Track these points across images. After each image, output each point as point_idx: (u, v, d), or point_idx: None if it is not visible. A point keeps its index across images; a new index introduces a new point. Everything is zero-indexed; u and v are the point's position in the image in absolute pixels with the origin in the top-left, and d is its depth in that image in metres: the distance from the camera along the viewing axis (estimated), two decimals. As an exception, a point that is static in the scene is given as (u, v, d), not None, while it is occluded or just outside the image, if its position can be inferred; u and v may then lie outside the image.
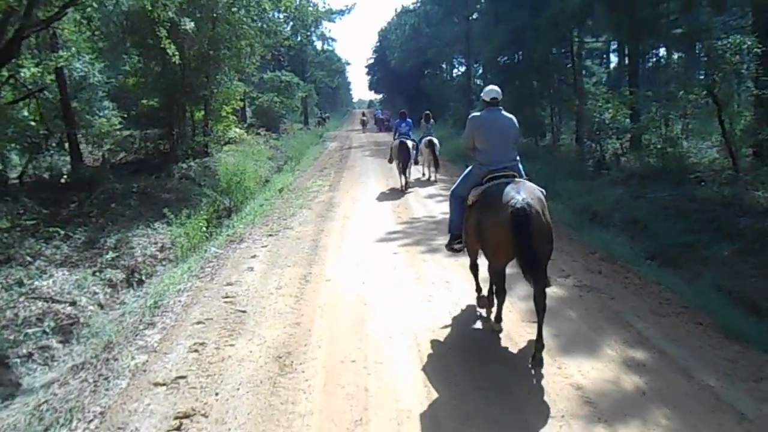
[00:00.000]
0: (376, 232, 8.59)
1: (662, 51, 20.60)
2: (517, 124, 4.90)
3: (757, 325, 5.04)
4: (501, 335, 4.74)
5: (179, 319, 5.39)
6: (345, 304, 5.63)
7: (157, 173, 14.10)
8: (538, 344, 4.12)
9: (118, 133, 16.67)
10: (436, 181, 14.11)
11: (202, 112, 18.26)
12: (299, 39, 41.08)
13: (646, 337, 4.66)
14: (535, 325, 4.17)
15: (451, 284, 6.14)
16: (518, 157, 4.83)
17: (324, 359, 4.41)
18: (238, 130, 20.89)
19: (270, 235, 8.67)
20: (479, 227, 4.41)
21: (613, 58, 24.96)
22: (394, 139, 13.34)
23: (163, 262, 8.63)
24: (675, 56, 20.17)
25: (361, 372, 4.19)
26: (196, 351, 4.64)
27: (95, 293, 7.04)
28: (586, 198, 11.55)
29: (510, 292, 4.91)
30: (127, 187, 11.95)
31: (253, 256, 7.44)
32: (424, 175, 14.63)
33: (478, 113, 4.99)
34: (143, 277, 7.93)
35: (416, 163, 13.63)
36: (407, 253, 7.39)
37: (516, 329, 4.87)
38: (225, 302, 5.77)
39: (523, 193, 4.09)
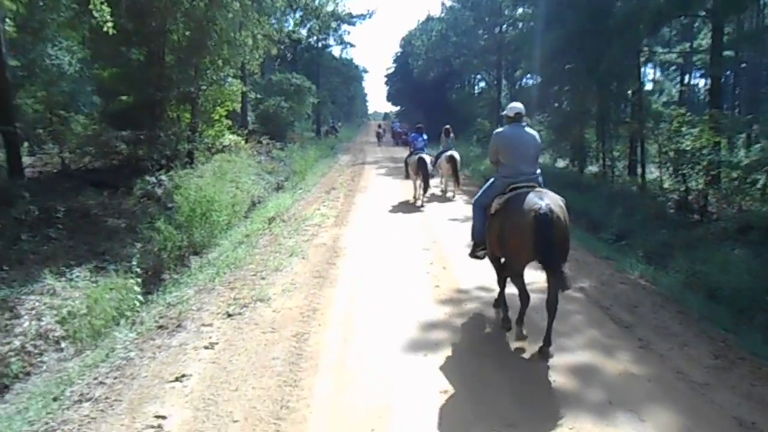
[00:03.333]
0: (402, 323, 5.19)
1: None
2: (539, 140, 5.10)
3: None
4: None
5: None
6: None
7: (116, 188, 10.90)
8: (546, 341, 4.48)
9: (81, 131, 13.63)
10: (454, 197, 13.32)
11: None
12: (314, 39, 38.37)
13: None
14: None
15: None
16: (539, 171, 4.98)
17: None
18: (233, 136, 17.65)
19: (229, 316, 5.33)
20: (502, 232, 4.62)
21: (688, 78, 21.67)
22: (411, 154, 12.96)
23: (54, 349, 5.32)
24: None
25: None
26: None
27: None
28: (693, 260, 8.15)
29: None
30: (63, 209, 8.69)
31: (179, 378, 4.03)
32: (442, 191, 13.78)
33: (501, 129, 5.19)
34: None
35: (432, 177, 12.97)
36: (462, 386, 3.99)
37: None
38: None
39: (546, 199, 4.35)
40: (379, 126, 44.28)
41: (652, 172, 15.96)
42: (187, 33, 14.04)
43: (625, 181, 16.52)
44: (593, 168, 19.28)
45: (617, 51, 13.96)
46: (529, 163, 4.89)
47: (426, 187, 12.32)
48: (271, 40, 17.86)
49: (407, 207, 12.28)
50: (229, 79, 15.67)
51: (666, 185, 14.12)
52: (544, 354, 4.43)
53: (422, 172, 12.09)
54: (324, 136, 36.96)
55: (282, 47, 32.40)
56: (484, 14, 30.34)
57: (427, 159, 12.41)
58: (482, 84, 35.23)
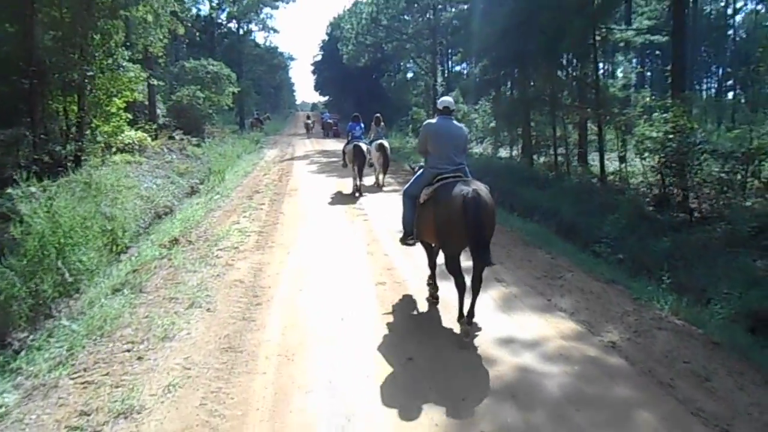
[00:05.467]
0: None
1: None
2: (467, 132, 5.43)
3: None
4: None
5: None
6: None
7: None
8: (470, 313, 4.63)
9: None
10: (383, 185, 13.33)
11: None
12: (234, 23, 35.52)
13: None
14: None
15: None
16: (465, 162, 5.18)
17: None
18: (135, 132, 14.87)
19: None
20: (434, 220, 4.76)
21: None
22: (348, 143, 12.98)
23: None
24: None
25: None
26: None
27: None
28: (712, 275, 6.53)
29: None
30: None
31: None
32: (375, 181, 13.64)
33: (432, 120, 5.37)
34: None
35: (370, 165, 13.07)
36: None
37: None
38: None
39: (473, 185, 4.59)
40: (308, 117, 41.80)
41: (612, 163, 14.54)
42: (66, 6, 11.27)
43: (581, 173, 14.98)
44: (541, 158, 17.71)
45: (578, 29, 12.24)
46: (457, 154, 5.09)
47: (361, 175, 12.39)
48: (177, 18, 15.13)
49: (346, 212, 10.17)
50: (124, 64, 12.88)
51: (634, 179, 12.65)
52: (464, 331, 4.57)
53: (358, 161, 12.14)
54: (248, 129, 34.05)
55: (196, 31, 29.40)
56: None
57: (364, 147, 12.43)
58: (415, 70, 33.21)
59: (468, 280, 4.65)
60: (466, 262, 4.71)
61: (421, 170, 5.35)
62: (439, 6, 28.31)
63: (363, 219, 9.66)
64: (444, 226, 4.65)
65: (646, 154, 11.00)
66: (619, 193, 12.12)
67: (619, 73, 18.71)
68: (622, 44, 15.29)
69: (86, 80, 11.75)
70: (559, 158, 16.63)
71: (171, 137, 18.62)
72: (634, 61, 18.37)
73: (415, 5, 28.63)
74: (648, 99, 13.16)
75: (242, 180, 15.36)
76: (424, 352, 4.32)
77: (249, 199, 11.99)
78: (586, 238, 8.85)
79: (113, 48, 12.49)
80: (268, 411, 3.50)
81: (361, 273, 6.51)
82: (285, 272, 6.51)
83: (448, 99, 5.37)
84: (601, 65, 15.70)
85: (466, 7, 21.62)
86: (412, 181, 5.42)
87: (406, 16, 30.49)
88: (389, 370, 4.03)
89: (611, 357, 4.24)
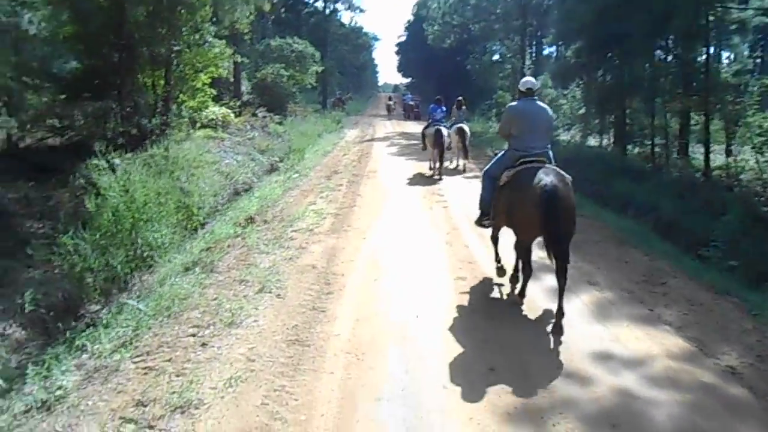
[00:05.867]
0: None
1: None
2: (551, 114, 5.18)
3: None
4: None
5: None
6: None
7: (57, 175, 8.38)
8: (558, 313, 4.35)
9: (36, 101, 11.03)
10: (465, 170, 13.00)
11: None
12: (321, 1, 35.54)
13: None
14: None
15: None
16: (549, 145, 5.04)
17: None
18: (219, 108, 15.01)
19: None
20: (510, 205, 4.74)
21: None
22: (429, 126, 12.71)
23: None
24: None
25: None
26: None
27: None
28: None
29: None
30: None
31: None
32: (451, 162, 13.49)
33: (515, 103, 5.19)
34: None
35: (448, 149, 12.85)
36: None
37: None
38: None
39: (553, 176, 4.39)
40: (390, 98, 41.48)
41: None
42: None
43: (682, 166, 13.77)
44: (635, 149, 16.47)
45: (690, 6, 11.09)
46: (541, 136, 4.97)
47: (442, 160, 12.12)
48: (263, -5, 15.06)
49: (425, 197, 9.74)
50: (210, 39, 12.92)
51: (745, 175, 11.45)
52: (557, 329, 4.33)
53: (438, 145, 11.85)
54: (331, 108, 34.09)
55: (283, 9, 29.55)
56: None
57: (444, 132, 12.14)
58: (502, 52, 32.00)
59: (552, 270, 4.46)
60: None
61: (504, 151, 5.27)
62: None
63: (443, 206, 9.20)
64: (519, 213, 4.60)
65: (765, 148, 9.86)
66: (726, 191, 11.02)
67: (726, 60, 16.97)
68: (734, 26, 13.79)
69: (173, 55, 11.87)
70: (656, 149, 15.45)
71: (254, 114, 18.79)
72: (746, 45, 16.53)
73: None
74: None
75: (322, 159, 15.22)
76: (508, 363, 3.85)
77: (327, 179, 11.79)
78: (690, 239, 7.97)
79: (199, 23, 12.55)
80: (333, 418, 3.16)
81: (440, 265, 6.07)
82: (359, 259, 6.18)
83: (530, 80, 5.26)
84: (711, 48, 14.26)
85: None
86: (494, 161, 5.35)
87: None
88: (468, 380, 3.59)
89: (731, 386, 3.61)
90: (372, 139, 21.46)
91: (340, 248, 6.56)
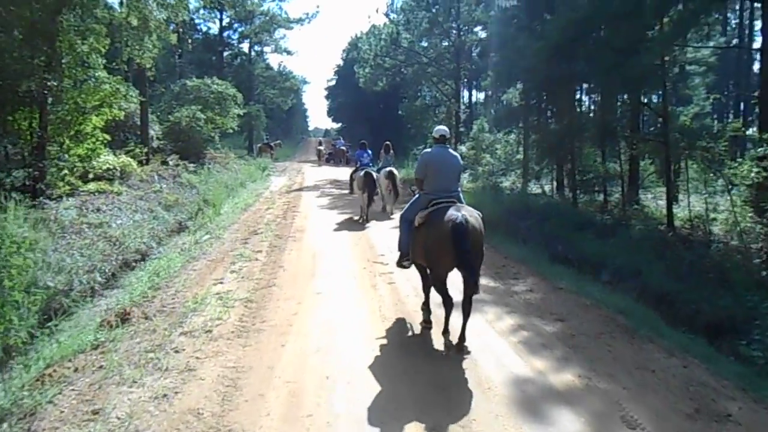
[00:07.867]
0: None
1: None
2: (461, 160, 5.67)
3: None
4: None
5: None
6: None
7: None
8: (461, 336, 4.80)
9: None
10: (392, 213, 12.64)
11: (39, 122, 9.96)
12: (246, 43, 33.86)
13: None
14: None
15: None
16: (459, 188, 5.49)
17: None
18: (116, 157, 12.61)
19: None
20: (425, 241, 4.96)
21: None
22: (357, 170, 12.86)
23: None
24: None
25: None
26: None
27: None
28: None
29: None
30: None
31: None
32: (383, 208, 13.29)
33: (429, 149, 5.56)
34: None
35: (376, 194, 12.60)
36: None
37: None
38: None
39: (463, 211, 4.80)
40: (320, 143, 39.76)
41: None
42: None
43: (643, 218, 12.44)
44: (583, 197, 15.20)
45: (658, 45, 9.85)
46: (452, 180, 5.34)
47: (370, 203, 12.17)
48: (169, 25, 12.96)
49: (365, 268, 7.72)
50: (97, 74, 10.63)
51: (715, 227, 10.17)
52: (459, 348, 4.77)
53: (368, 188, 11.92)
54: (257, 154, 31.83)
55: (203, 49, 27.37)
56: (438, 16, 26.14)
57: (374, 175, 12.27)
58: (436, 96, 30.97)
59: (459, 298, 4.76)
60: None
61: (417, 195, 5.48)
62: (465, 28, 26.17)
63: (388, 281, 7.22)
64: (433, 247, 4.84)
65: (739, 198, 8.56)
66: (704, 247, 9.67)
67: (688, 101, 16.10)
68: (691, 66, 12.85)
69: (47, 92, 9.52)
70: (609, 197, 14.24)
71: (164, 162, 16.39)
72: (703, 88, 15.83)
73: (439, 26, 26.43)
74: (740, 129, 10.66)
75: (241, 215, 13.03)
76: None
77: (243, 243, 9.62)
78: (704, 321, 6.32)
79: (86, 55, 10.30)
80: None
81: (398, 389, 4.05)
82: (272, 392, 4.06)
83: (442, 128, 5.61)
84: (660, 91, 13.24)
85: (497, 27, 19.34)
86: (408, 205, 5.59)
87: (425, 42, 28.39)
88: None
89: None
90: (300, 188, 19.44)
91: (245, 370, 4.41)
